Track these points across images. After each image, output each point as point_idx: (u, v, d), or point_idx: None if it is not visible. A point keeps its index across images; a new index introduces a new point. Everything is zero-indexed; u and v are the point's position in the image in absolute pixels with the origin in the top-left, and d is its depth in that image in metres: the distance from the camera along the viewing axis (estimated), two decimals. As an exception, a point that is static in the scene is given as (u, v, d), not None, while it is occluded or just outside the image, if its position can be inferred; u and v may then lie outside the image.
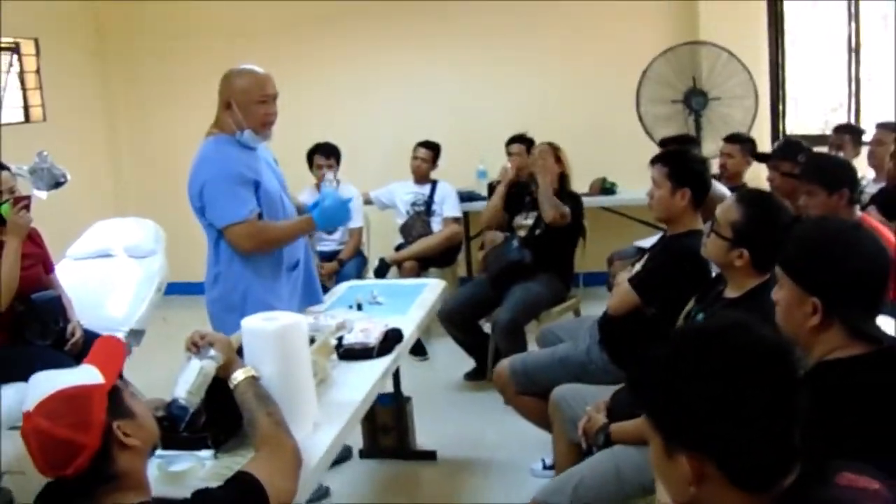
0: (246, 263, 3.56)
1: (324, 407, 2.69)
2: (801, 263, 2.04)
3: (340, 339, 3.27)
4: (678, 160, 3.69)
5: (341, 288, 4.44)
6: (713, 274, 3.58)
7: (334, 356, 3.16)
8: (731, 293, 2.95)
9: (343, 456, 4.29)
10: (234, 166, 3.49)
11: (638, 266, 3.82)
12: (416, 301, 4.01)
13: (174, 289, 5.68)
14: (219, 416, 2.38)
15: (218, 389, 2.34)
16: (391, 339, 3.33)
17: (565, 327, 4.34)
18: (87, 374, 1.82)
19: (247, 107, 3.53)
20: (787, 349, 1.45)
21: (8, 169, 4.22)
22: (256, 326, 2.46)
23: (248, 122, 3.53)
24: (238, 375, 2.32)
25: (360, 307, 3.83)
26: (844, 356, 1.98)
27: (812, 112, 7.42)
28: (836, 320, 1.99)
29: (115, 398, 1.83)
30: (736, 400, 1.36)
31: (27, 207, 4.10)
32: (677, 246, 3.63)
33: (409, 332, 3.51)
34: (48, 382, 1.80)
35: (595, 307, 5.66)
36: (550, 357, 3.92)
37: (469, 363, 5.56)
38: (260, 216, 3.53)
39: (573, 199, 5.29)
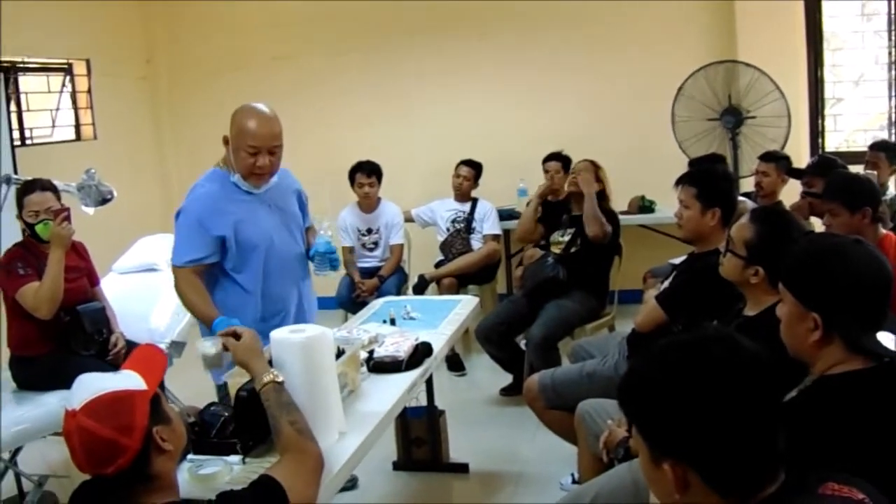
0: (215, 293, 3.51)
1: (351, 417, 2.80)
2: (801, 279, 2.07)
3: (371, 351, 3.38)
4: (706, 180, 3.75)
5: (378, 303, 4.56)
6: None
7: (364, 368, 3.26)
8: (749, 311, 3.00)
9: (347, 486, 4.26)
10: (204, 212, 3.42)
11: (665, 283, 3.89)
12: (448, 317, 4.12)
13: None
14: (247, 423, 2.49)
15: (247, 400, 2.45)
16: (421, 352, 3.43)
17: (595, 343, 4.41)
18: (130, 380, 1.93)
19: (237, 151, 3.42)
20: (767, 360, 1.50)
21: (54, 188, 4.39)
22: (283, 337, 2.58)
23: (236, 165, 3.45)
24: (263, 379, 2.41)
25: (392, 322, 3.94)
26: (845, 371, 2.01)
27: (858, 130, 7.41)
28: (837, 335, 2.02)
29: (156, 404, 1.95)
30: (716, 410, 1.41)
31: (68, 219, 4.25)
32: (703, 264, 3.66)
33: (439, 346, 3.62)
34: (94, 384, 1.90)
35: (630, 325, 5.66)
36: (578, 372, 3.99)
37: (505, 378, 5.63)
38: (222, 265, 3.51)
39: (611, 218, 5.34)
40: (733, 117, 6.48)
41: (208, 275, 3.50)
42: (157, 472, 1.92)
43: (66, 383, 4.01)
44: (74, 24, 7.28)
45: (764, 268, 2.89)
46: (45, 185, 4.38)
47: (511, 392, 5.56)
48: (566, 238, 5.39)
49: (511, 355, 5.53)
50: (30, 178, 4.60)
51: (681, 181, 3.81)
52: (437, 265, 6.64)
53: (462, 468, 4.56)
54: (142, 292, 5.26)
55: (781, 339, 2.16)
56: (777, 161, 5.65)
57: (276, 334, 2.61)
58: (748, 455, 1.44)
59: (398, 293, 6.33)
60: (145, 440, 1.87)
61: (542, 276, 5.28)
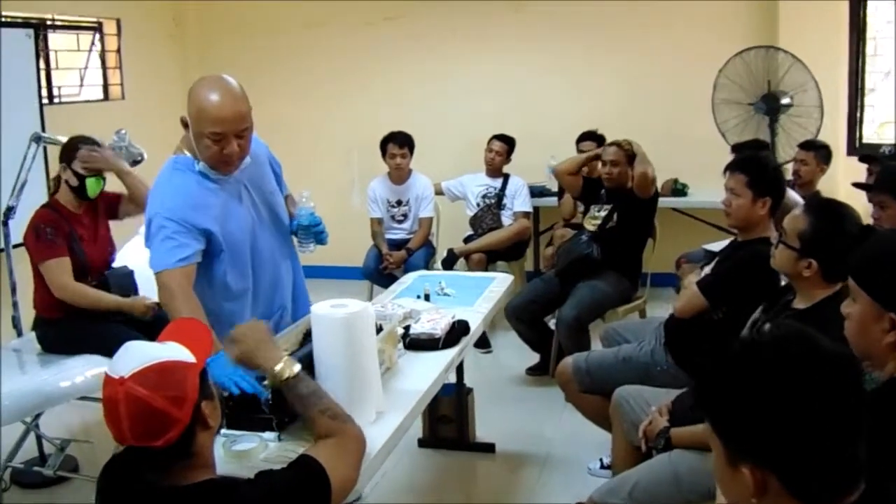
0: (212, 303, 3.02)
1: (387, 395, 2.73)
2: (879, 278, 1.97)
3: (407, 328, 3.31)
4: (758, 168, 3.66)
5: (409, 277, 4.48)
6: (783, 282, 3.57)
7: (400, 345, 3.20)
8: (799, 304, 2.92)
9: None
10: (184, 207, 2.90)
11: (707, 269, 3.81)
12: (483, 294, 4.04)
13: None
14: (284, 399, 2.42)
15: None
16: (458, 330, 3.37)
17: (630, 327, 4.33)
18: (178, 352, 1.86)
19: (198, 139, 2.88)
20: (852, 362, 1.43)
21: (96, 142, 4.32)
22: (325, 313, 2.51)
23: (199, 154, 2.92)
24: (278, 374, 2.27)
25: (427, 297, 3.87)
26: (921, 374, 1.93)
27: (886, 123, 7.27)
28: None
29: (204, 378, 1.89)
30: (801, 414, 1.34)
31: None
32: (748, 251, 3.61)
33: (476, 324, 3.55)
34: (144, 352, 1.83)
35: (661, 309, 5.68)
36: (614, 357, 3.92)
37: (532, 357, 5.56)
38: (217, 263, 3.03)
39: (651, 198, 5.23)
40: (771, 104, 6.36)
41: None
42: (199, 448, 1.86)
43: (92, 348, 4.08)
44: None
45: (817, 261, 2.81)
46: (88, 139, 4.33)
47: (538, 372, 5.51)
48: (602, 213, 5.27)
49: (540, 335, 5.47)
50: (63, 137, 4.54)
51: (731, 168, 3.71)
52: (467, 240, 6.57)
53: (488, 448, 4.50)
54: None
55: (835, 335, 2.08)
56: (816, 150, 5.57)
57: (317, 309, 2.54)
58: (832, 459, 1.36)
59: (426, 266, 6.28)
60: (194, 414, 1.81)
61: (576, 254, 5.17)
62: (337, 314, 2.49)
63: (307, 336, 2.86)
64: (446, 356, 3.21)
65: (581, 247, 5.17)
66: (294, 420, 2.49)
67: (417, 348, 3.23)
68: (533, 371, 5.54)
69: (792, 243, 2.86)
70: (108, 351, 3.99)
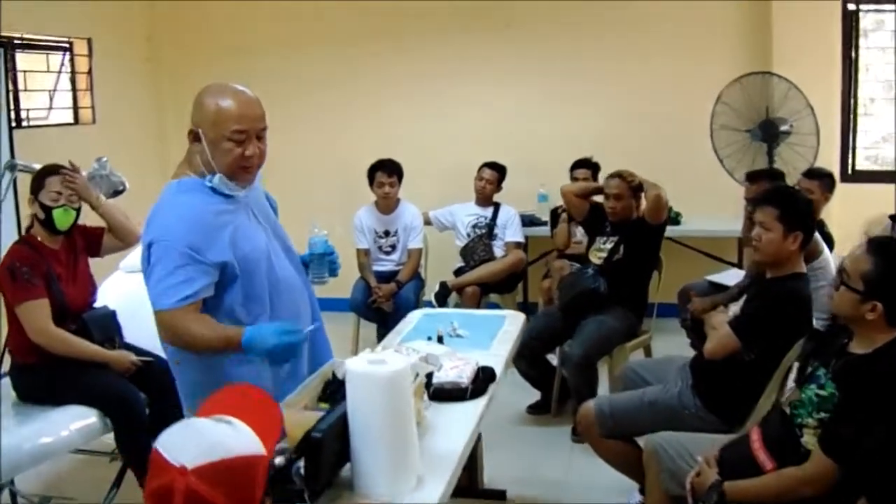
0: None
1: (422, 455, 2.47)
2: None
3: (430, 376, 3.07)
4: (789, 202, 3.50)
5: (415, 316, 4.23)
6: (817, 319, 3.42)
7: (426, 397, 2.96)
8: (858, 348, 2.75)
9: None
10: (194, 235, 2.64)
11: (735, 308, 3.64)
12: (497, 335, 3.82)
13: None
14: (319, 468, 2.19)
15: (321, 441, 2.16)
16: (484, 378, 3.14)
17: (650, 367, 4.11)
18: (248, 440, 1.63)
19: (216, 143, 2.69)
20: None
21: (71, 169, 4.05)
22: (363, 371, 2.26)
23: (216, 162, 2.71)
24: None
25: (441, 340, 3.62)
26: None
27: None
28: None
29: (268, 471, 1.69)
30: None
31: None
32: (780, 289, 3.46)
33: (499, 370, 3.32)
34: (212, 439, 1.59)
35: (665, 342, 5.47)
36: (639, 400, 3.71)
37: (531, 394, 5.34)
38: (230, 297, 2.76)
39: (661, 225, 5.07)
40: (768, 130, 6.23)
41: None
42: None
43: (75, 397, 3.77)
44: (76, 1, 6.93)
45: (883, 303, 2.64)
46: (57, 169, 4.04)
47: (539, 410, 5.30)
48: (608, 245, 5.08)
49: (541, 372, 5.26)
50: (37, 164, 4.28)
51: (761, 201, 3.55)
52: (457, 271, 6.36)
53: (499, 495, 4.26)
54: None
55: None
56: (821, 178, 5.40)
57: (353, 365, 2.28)
58: None
59: (416, 300, 6.09)
60: None
61: (581, 288, 4.96)
62: (380, 373, 2.23)
63: (327, 388, 2.64)
64: (476, 407, 2.98)
65: (587, 281, 4.96)
66: (328, 486, 2.26)
67: (443, 399, 2.99)
68: (534, 409, 5.31)
69: (855, 285, 2.68)
70: (94, 401, 3.77)
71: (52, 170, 4.01)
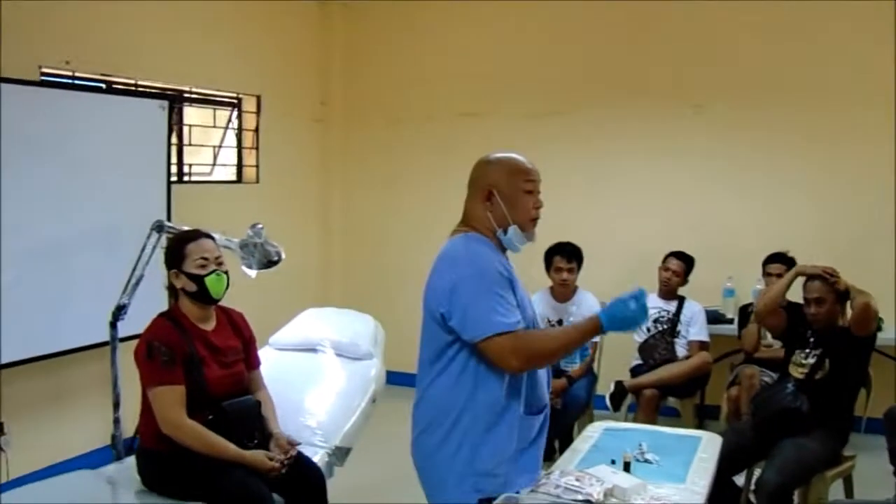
0: (473, 394, 2.86)
1: None
2: None
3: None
4: None
5: (595, 430, 3.74)
6: None
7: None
8: None
9: None
10: (494, 266, 2.83)
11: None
12: (693, 463, 3.31)
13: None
14: None
15: None
16: (683, 526, 2.67)
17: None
18: None
19: (514, 198, 2.93)
20: None
21: (213, 238, 3.78)
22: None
23: (514, 216, 2.92)
24: None
25: (627, 467, 3.14)
26: None
27: None
28: None
29: None
30: None
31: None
32: None
33: (700, 515, 2.83)
34: None
35: (868, 463, 4.80)
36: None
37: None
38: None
39: (870, 336, 4.54)
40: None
41: (456, 363, 2.88)
42: None
43: (204, 495, 3.29)
44: (247, 57, 6.88)
45: None
46: (208, 236, 3.77)
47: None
48: (811, 360, 4.53)
49: (726, 495, 4.67)
50: (185, 226, 4.04)
51: None
52: (634, 369, 5.90)
53: None
54: (300, 377, 4.55)
55: None
56: None
57: None
58: None
59: (588, 397, 5.61)
60: None
61: (780, 406, 4.40)
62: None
63: None
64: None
65: (786, 398, 4.40)
66: None
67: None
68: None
69: None
70: (225, 501, 3.39)
71: (189, 237, 3.72)
